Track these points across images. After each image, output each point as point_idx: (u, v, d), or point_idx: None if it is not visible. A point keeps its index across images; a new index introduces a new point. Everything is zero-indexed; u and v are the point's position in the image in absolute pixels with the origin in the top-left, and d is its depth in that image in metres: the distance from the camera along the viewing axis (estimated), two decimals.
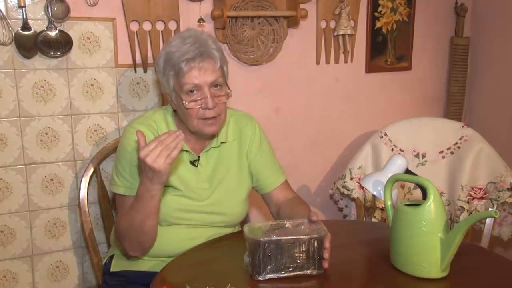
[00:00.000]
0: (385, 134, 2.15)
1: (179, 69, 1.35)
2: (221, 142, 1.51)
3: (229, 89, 1.43)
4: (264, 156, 1.59)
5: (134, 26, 1.85)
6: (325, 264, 1.21)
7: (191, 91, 1.36)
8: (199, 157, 1.49)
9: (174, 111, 1.48)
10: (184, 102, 1.36)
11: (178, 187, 1.45)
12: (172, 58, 1.37)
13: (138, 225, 1.31)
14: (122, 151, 1.44)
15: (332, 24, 2.19)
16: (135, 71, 1.89)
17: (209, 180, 1.49)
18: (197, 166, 1.49)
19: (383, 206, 1.97)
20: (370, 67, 2.34)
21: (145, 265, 1.51)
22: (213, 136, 1.49)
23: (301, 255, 1.19)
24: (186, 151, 1.47)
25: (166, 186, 1.44)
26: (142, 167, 1.22)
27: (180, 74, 1.36)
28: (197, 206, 1.46)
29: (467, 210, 2.03)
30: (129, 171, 1.41)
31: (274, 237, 1.19)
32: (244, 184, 1.56)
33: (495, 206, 2.01)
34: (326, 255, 1.20)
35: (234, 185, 1.53)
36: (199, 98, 1.37)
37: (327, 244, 1.21)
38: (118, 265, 1.56)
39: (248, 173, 1.57)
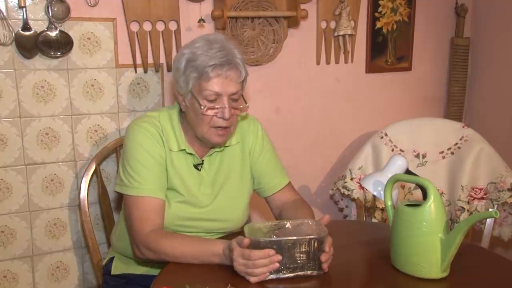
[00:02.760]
0: (386, 135, 2.15)
1: (204, 73, 1.32)
2: (225, 146, 1.48)
3: (246, 103, 1.41)
4: (266, 159, 1.56)
5: (134, 27, 1.85)
6: (324, 266, 1.21)
7: (211, 98, 1.34)
8: (203, 160, 1.47)
9: (181, 112, 1.45)
10: (202, 107, 1.34)
11: (181, 192, 1.42)
12: (196, 60, 1.33)
13: (179, 258, 1.28)
14: (129, 150, 1.39)
15: (333, 24, 2.19)
16: (136, 72, 1.89)
17: (211, 185, 1.47)
18: (200, 170, 1.46)
19: (384, 206, 1.97)
20: (371, 67, 2.34)
21: (144, 267, 1.51)
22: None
23: (301, 255, 1.19)
24: (191, 154, 1.44)
25: (170, 189, 1.42)
26: (233, 256, 1.19)
27: (203, 78, 1.32)
28: (198, 214, 1.44)
29: (468, 210, 2.03)
30: (138, 171, 1.37)
31: (274, 238, 1.19)
32: (246, 188, 1.53)
33: (495, 206, 2.01)
34: (323, 258, 1.20)
35: (236, 191, 1.50)
36: (217, 106, 1.35)
37: (326, 248, 1.20)
38: (118, 268, 1.56)
39: (250, 176, 1.55)
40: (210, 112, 1.35)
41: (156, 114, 1.46)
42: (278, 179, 1.57)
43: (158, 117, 1.44)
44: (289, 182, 1.60)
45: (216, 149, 1.47)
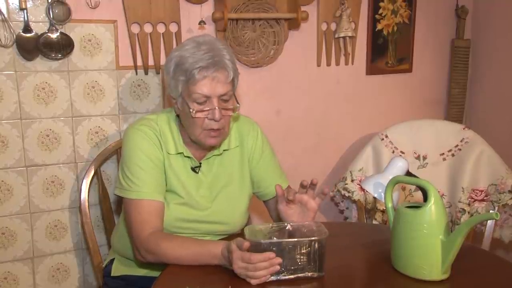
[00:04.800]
0: (386, 136, 2.15)
1: (191, 76, 1.31)
2: (224, 150, 1.48)
3: (238, 103, 1.40)
4: (266, 164, 1.55)
5: (135, 28, 1.85)
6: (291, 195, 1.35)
7: (200, 101, 1.34)
8: (200, 163, 1.46)
9: (177, 115, 1.44)
10: (191, 110, 1.33)
11: (180, 194, 1.42)
12: (185, 63, 1.32)
13: (179, 260, 1.27)
14: (127, 154, 1.39)
15: (333, 26, 2.19)
16: (136, 73, 1.90)
17: (210, 188, 1.46)
18: (197, 173, 1.46)
19: (384, 208, 1.97)
20: (371, 69, 2.34)
21: (145, 269, 1.51)
22: (212, 147, 1.46)
23: (301, 257, 1.19)
24: (188, 157, 1.44)
25: (169, 191, 1.42)
26: (233, 259, 1.17)
27: (191, 82, 1.32)
28: (198, 216, 1.44)
29: (468, 212, 2.03)
30: (137, 174, 1.37)
31: (275, 239, 1.19)
32: (246, 192, 1.53)
33: (496, 208, 2.01)
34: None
35: (236, 194, 1.50)
36: (206, 109, 1.34)
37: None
38: (118, 269, 1.56)
39: (249, 180, 1.54)
40: (200, 115, 1.34)
41: (154, 117, 1.46)
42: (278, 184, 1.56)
43: (156, 120, 1.44)
44: (288, 186, 1.58)
45: (215, 153, 1.47)
